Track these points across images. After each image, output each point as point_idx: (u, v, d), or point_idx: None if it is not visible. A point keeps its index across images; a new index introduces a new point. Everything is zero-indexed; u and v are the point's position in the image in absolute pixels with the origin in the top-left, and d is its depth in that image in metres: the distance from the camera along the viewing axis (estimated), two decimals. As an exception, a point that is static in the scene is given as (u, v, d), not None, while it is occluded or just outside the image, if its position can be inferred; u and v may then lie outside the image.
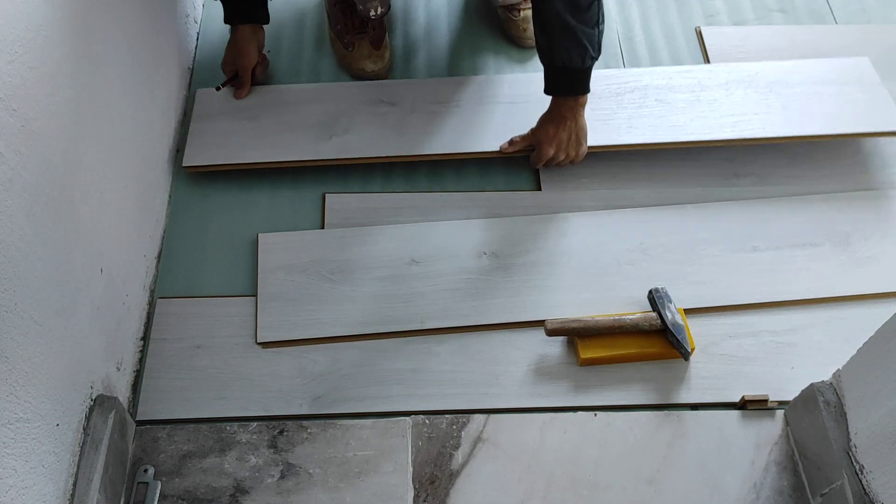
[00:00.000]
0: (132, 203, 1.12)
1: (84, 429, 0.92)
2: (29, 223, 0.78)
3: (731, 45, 1.52)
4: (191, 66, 1.45)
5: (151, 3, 1.23)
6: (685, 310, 1.17)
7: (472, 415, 1.10)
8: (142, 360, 1.13)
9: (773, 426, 1.10)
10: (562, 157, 1.26)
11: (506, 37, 1.52)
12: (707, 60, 1.50)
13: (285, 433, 1.07)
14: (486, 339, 1.16)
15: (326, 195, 1.29)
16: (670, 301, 1.15)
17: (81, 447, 0.91)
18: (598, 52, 1.17)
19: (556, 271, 1.22)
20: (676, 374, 1.14)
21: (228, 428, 1.07)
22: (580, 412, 1.10)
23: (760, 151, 1.37)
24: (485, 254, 1.23)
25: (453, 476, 1.05)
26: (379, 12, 1.34)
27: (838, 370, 1.01)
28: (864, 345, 0.94)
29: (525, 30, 1.48)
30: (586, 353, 1.13)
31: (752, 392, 1.11)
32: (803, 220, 1.28)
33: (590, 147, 1.28)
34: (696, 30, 1.57)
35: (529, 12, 1.46)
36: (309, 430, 1.07)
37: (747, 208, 1.30)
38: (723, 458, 1.07)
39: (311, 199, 1.30)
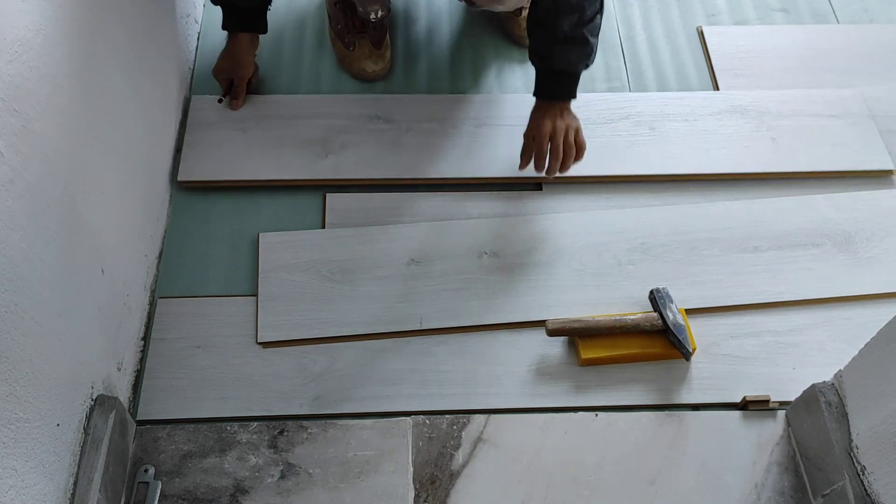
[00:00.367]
0: (133, 203, 1.12)
1: (84, 429, 0.92)
2: (30, 223, 0.78)
3: (732, 44, 1.52)
4: (191, 67, 1.45)
5: (152, 2, 1.23)
6: (686, 310, 1.17)
7: (472, 415, 1.10)
8: (142, 360, 1.13)
9: (774, 427, 1.10)
10: (559, 138, 1.20)
11: (507, 36, 1.52)
12: (709, 60, 1.50)
13: (285, 433, 1.07)
14: (486, 340, 1.16)
15: (327, 195, 1.29)
16: (671, 301, 1.15)
17: (82, 447, 0.91)
18: (594, 59, 1.18)
19: (557, 271, 1.22)
20: (677, 374, 1.14)
21: (229, 428, 1.07)
22: (581, 412, 1.10)
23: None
24: (485, 254, 1.23)
25: (454, 476, 1.05)
26: (379, 15, 1.34)
27: (840, 371, 1.01)
28: (865, 345, 0.94)
29: (526, 29, 1.47)
30: (587, 354, 1.13)
31: (753, 392, 1.11)
32: (805, 220, 1.28)
33: (584, 176, 1.30)
34: (697, 29, 1.56)
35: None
36: (309, 430, 1.07)
37: (748, 208, 1.29)
38: (724, 459, 1.07)
39: (311, 198, 1.30)
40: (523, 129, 1.30)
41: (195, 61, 1.46)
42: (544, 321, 1.14)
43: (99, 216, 0.97)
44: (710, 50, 1.51)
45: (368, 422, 1.08)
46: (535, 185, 1.32)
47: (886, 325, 0.90)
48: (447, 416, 1.09)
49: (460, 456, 1.06)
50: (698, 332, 1.16)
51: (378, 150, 1.33)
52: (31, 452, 0.78)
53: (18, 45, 0.76)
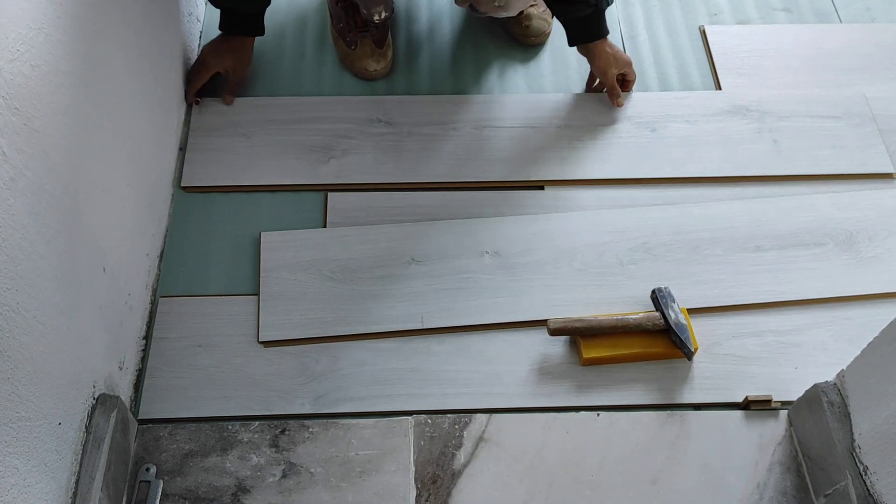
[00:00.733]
0: (135, 202, 1.12)
1: (86, 427, 0.92)
2: (32, 222, 0.78)
3: (734, 44, 1.52)
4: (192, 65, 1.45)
5: (154, 1, 1.23)
6: (688, 309, 1.17)
7: (474, 414, 1.09)
8: (144, 359, 1.13)
9: (776, 426, 1.10)
10: (625, 68, 1.37)
11: (508, 35, 1.52)
12: (711, 60, 1.50)
13: (287, 432, 1.07)
14: (488, 339, 1.16)
15: (329, 194, 1.29)
16: (673, 301, 1.15)
17: (84, 446, 0.91)
18: None
19: (559, 270, 1.22)
20: (679, 374, 1.14)
21: (230, 427, 1.07)
22: (583, 412, 1.10)
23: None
24: (487, 253, 1.23)
25: (455, 476, 1.05)
26: (383, 16, 1.34)
27: (842, 370, 1.01)
28: (868, 345, 0.94)
29: (527, 27, 1.47)
30: (589, 353, 1.12)
31: (755, 392, 1.11)
32: (807, 220, 1.28)
33: (583, 180, 1.31)
34: (699, 29, 1.56)
35: (531, 10, 1.47)
36: (311, 430, 1.07)
37: (750, 207, 1.29)
38: (726, 459, 1.07)
39: (313, 197, 1.30)
40: (525, 130, 1.31)
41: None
42: (546, 320, 1.14)
43: (101, 215, 0.97)
44: (712, 49, 1.51)
45: (370, 421, 1.08)
46: (536, 185, 1.32)
47: (889, 324, 0.89)
48: (449, 415, 1.09)
49: (462, 455, 1.06)
50: (700, 332, 1.16)
51: (379, 154, 1.33)
52: (33, 451, 0.78)
53: (20, 44, 0.76)
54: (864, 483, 0.94)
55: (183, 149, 1.33)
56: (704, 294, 1.20)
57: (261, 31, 1.35)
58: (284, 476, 1.04)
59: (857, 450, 0.96)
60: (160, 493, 1.01)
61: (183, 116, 1.37)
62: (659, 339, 1.14)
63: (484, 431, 1.08)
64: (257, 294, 1.18)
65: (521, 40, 1.50)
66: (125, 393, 1.06)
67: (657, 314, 1.14)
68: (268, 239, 1.23)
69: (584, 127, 1.37)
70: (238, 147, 1.32)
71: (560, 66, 1.48)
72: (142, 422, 1.08)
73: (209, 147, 1.32)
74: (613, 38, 1.53)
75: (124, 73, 1.07)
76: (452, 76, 1.46)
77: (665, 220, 1.27)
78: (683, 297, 1.18)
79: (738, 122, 1.39)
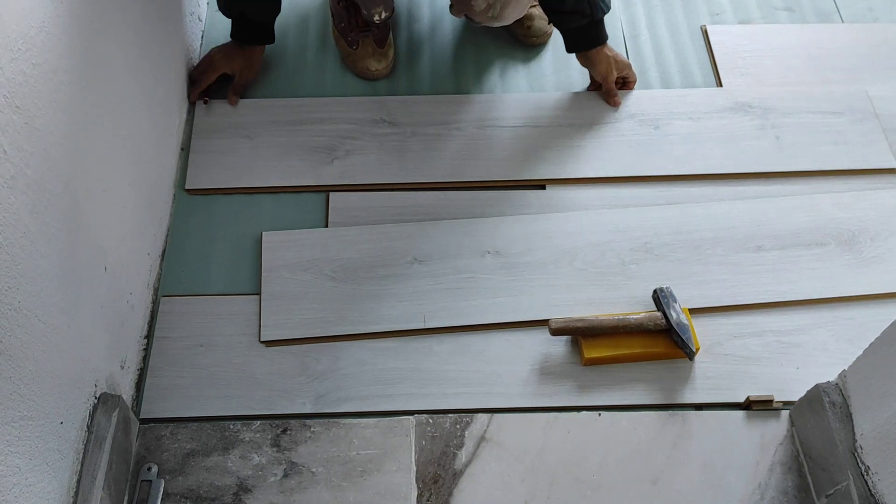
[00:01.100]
0: (136, 201, 1.12)
1: (88, 427, 0.92)
2: (33, 221, 0.78)
3: (736, 44, 1.52)
4: (196, 65, 1.45)
5: (156, 0, 1.23)
6: (690, 309, 1.17)
7: (475, 414, 1.09)
8: (145, 359, 1.13)
9: (778, 427, 1.09)
10: (625, 71, 1.39)
11: (510, 35, 1.51)
12: (713, 59, 1.50)
13: (288, 432, 1.07)
14: (489, 339, 1.16)
15: (330, 194, 1.29)
16: (675, 300, 1.15)
17: (85, 445, 0.91)
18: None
19: (560, 270, 1.21)
20: (681, 374, 1.13)
21: (232, 426, 1.07)
22: (584, 412, 1.10)
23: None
24: (488, 252, 1.23)
25: (457, 475, 1.05)
26: (383, 16, 1.34)
27: (844, 371, 1.01)
28: (870, 345, 0.94)
29: (529, 28, 1.47)
30: (590, 353, 1.12)
31: (756, 392, 1.11)
32: (809, 220, 1.28)
33: (585, 178, 1.31)
34: (701, 28, 1.56)
35: (533, 10, 1.46)
36: (312, 429, 1.07)
37: (752, 207, 1.29)
38: (727, 459, 1.07)
39: (314, 197, 1.30)
40: (526, 129, 1.30)
41: (200, 59, 1.46)
42: (547, 320, 1.14)
43: (102, 214, 0.97)
44: (714, 49, 1.51)
45: (371, 421, 1.08)
46: (538, 184, 1.32)
47: (890, 324, 0.89)
48: (450, 415, 1.09)
49: (463, 455, 1.06)
50: (701, 332, 1.16)
51: (384, 155, 1.33)
52: (35, 450, 0.78)
53: (21, 43, 0.76)
54: (866, 483, 0.94)
55: (185, 149, 1.33)
56: (706, 294, 1.20)
57: (271, 39, 1.36)
58: (286, 475, 1.04)
59: (859, 450, 0.96)
60: (161, 493, 1.01)
61: (184, 116, 1.37)
62: (660, 339, 1.14)
63: (485, 431, 1.08)
64: (259, 294, 1.18)
65: (522, 40, 1.50)
66: (127, 392, 1.06)
67: (659, 314, 1.14)
68: (269, 238, 1.23)
69: (586, 125, 1.37)
70: (241, 149, 1.32)
71: (562, 65, 1.48)
72: (143, 421, 1.08)
73: (212, 149, 1.32)
74: (615, 38, 1.53)
75: (126, 73, 1.07)
76: (454, 76, 1.46)
77: (666, 220, 1.27)
78: (685, 297, 1.18)
79: (740, 119, 1.39)
